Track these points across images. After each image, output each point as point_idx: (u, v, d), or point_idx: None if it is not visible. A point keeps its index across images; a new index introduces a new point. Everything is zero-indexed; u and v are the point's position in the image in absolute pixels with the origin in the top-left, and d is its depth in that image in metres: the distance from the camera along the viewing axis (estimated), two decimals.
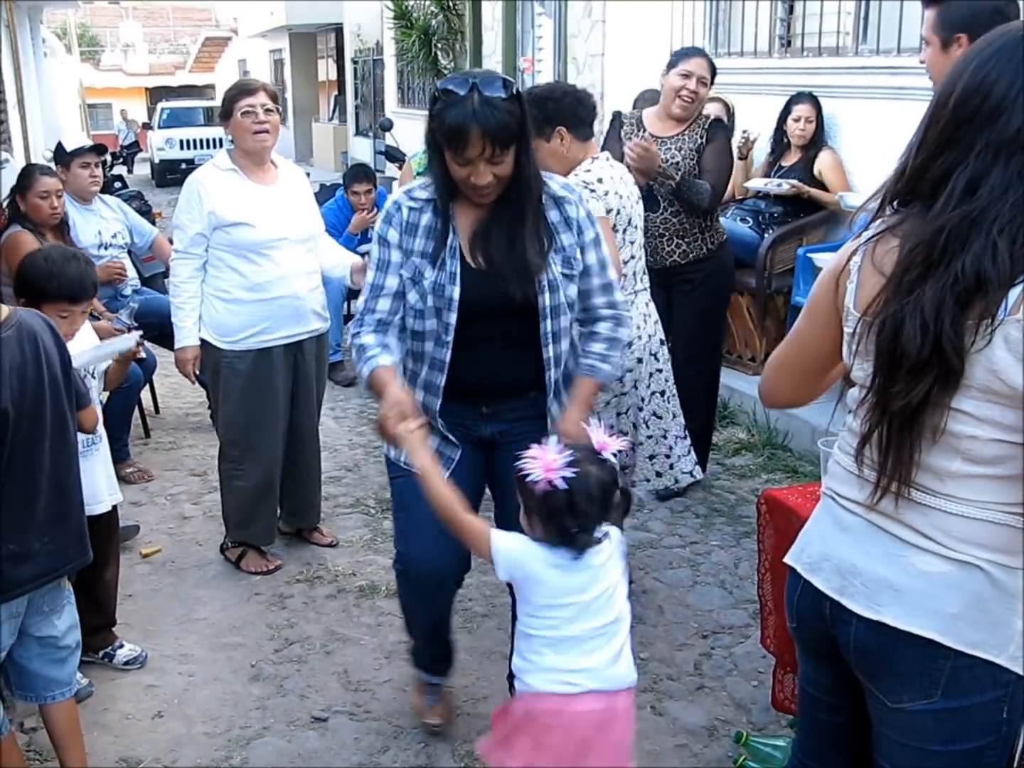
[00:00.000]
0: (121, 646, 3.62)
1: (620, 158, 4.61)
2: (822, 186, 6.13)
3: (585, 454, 2.23)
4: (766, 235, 6.06)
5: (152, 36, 45.26)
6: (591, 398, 2.89)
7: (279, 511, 4.48)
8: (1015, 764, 1.83)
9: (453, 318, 2.71)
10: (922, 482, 1.66)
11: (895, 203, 1.70)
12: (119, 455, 4.84)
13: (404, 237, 2.74)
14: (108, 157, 15.86)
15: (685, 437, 4.03)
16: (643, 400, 3.85)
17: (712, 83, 4.59)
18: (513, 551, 2.28)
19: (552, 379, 2.82)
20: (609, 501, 2.25)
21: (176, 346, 4.12)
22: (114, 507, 3.54)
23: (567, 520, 2.19)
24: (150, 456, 5.71)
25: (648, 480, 3.95)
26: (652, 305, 3.90)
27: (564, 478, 2.16)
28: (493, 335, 2.76)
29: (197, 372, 4.13)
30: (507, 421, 2.88)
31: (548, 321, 2.74)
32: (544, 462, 2.18)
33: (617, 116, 4.79)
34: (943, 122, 1.61)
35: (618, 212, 3.61)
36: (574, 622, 2.26)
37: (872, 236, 1.71)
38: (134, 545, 4.53)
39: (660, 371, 3.91)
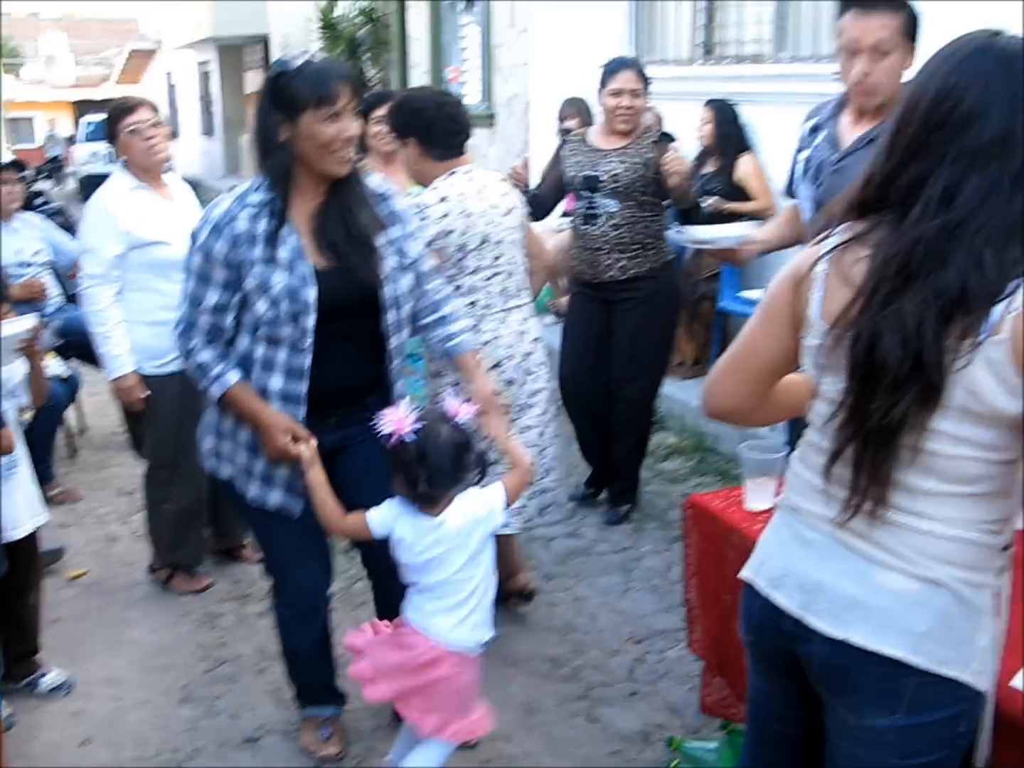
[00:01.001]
0: (44, 674, 3.54)
1: (558, 175, 4.65)
2: (742, 191, 6.22)
3: (438, 417, 2.57)
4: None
5: (77, 48, 44.56)
6: (480, 367, 3.14)
7: (207, 529, 4.42)
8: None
9: (311, 321, 2.68)
10: (894, 500, 1.64)
11: (859, 211, 1.66)
12: (44, 476, 4.74)
13: (241, 249, 2.65)
14: (32, 171, 15.62)
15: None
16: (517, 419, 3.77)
17: (647, 89, 4.52)
18: (383, 513, 2.62)
19: (396, 370, 2.92)
20: (461, 459, 2.55)
21: (113, 376, 3.95)
22: (35, 530, 3.47)
23: (418, 471, 2.49)
24: (77, 476, 5.62)
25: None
26: (532, 322, 3.83)
27: (413, 431, 2.48)
28: (345, 336, 2.77)
29: (142, 396, 3.98)
30: (348, 427, 2.90)
31: (391, 312, 2.81)
32: (395, 420, 2.49)
33: (563, 134, 4.83)
34: (913, 127, 1.58)
35: (463, 232, 3.55)
36: (449, 570, 2.60)
37: (838, 244, 1.67)
38: (60, 568, 4.45)
39: (540, 390, 3.84)
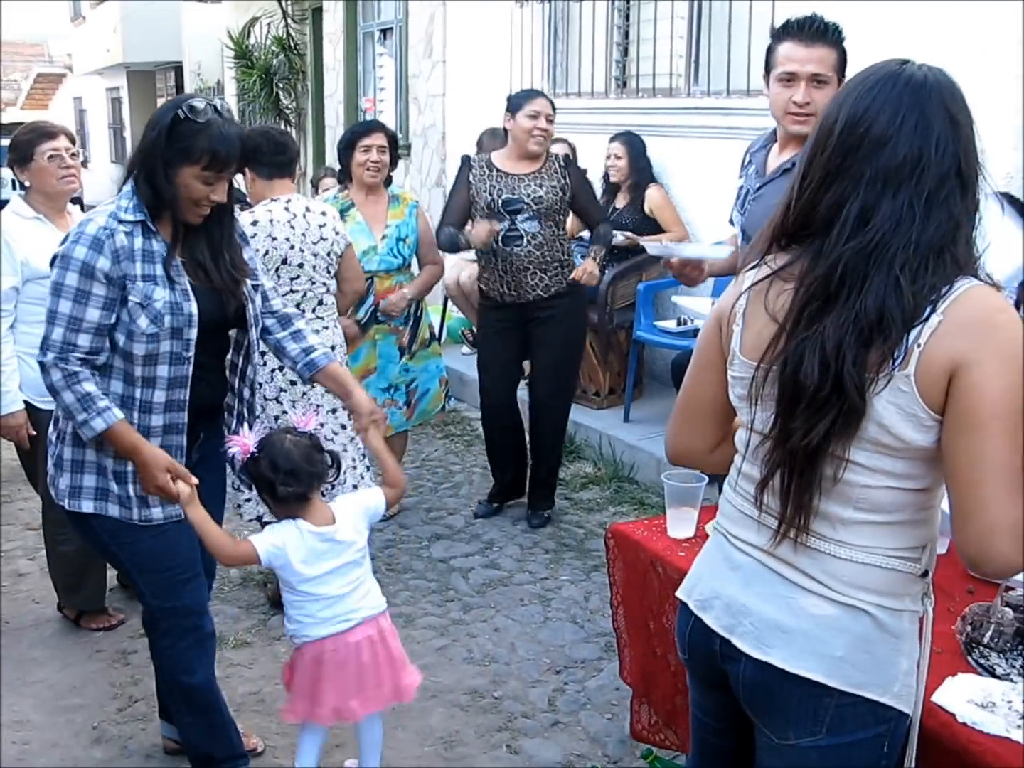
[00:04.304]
0: None
1: (468, 200, 4.81)
2: (655, 223, 6.31)
3: (279, 431, 2.90)
4: (606, 271, 6.18)
5: None
6: (352, 378, 3.15)
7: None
8: None
9: (193, 333, 2.75)
10: (816, 528, 1.68)
11: (782, 241, 1.71)
12: None
13: (123, 264, 2.65)
14: None
15: (364, 458, 4.49)
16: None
17: (554, 119, 4.78)
18: (269, 538, 2.78)
19: (254, 383, 3.07)
20: (312, 458, 2.78)
21: (2, 412, 3.81)
22: None
23: (273, 475, 2.71)
24: None
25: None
26: (327, 334, 4.27)
27: (257, 445, 2.73)
28: (209, 352, 2.85)
29: (32, 433, 3.87)
30: (207, 443, 2.97)
31: (253, 329, 2.96)
32: (240, 441, 2.74)
33: (466, 160, 4.92)
34: (829, 151, 1.63)
35: (265, 253, 4.05)
36: (330, 584, 2.81)
37: (760, 280, 1.72)
38: None
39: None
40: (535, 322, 4.87)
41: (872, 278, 1.56)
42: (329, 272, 4.31)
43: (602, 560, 3.92)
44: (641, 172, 6.41)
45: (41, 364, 2.67)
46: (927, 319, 1.54)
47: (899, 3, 4.95)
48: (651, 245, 3.51)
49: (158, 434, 2.78)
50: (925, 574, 1.71)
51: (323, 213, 4.28)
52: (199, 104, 2.66)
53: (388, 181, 5.00)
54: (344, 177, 4.99)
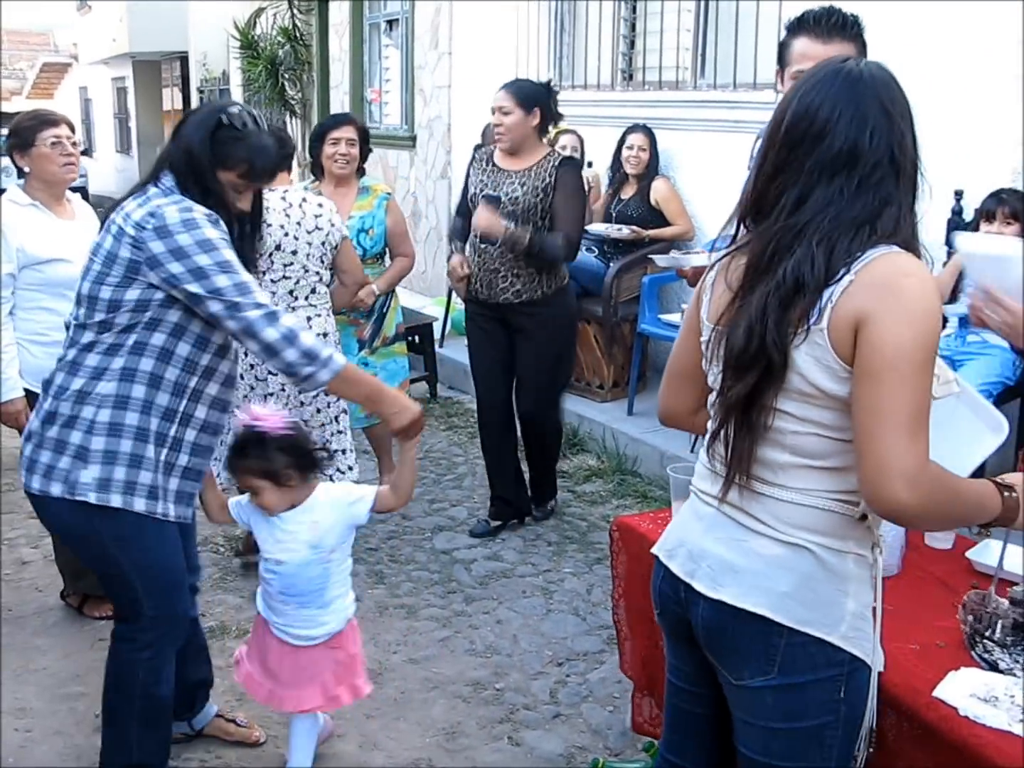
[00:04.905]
0: None
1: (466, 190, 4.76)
2: (661, 215, 6.30)
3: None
4: (611, 264, 6.18)
5: None
6: None
7: None
8: (870, 747, 1.89)
9: None
10: (759, 474, 1.79)
11: (746, 223, 1.84)
12: None
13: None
14: None
15: (343, 432, 4.52)
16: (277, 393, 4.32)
17: (526, 106, 4.45)
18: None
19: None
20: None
21: (2, 399, 3.79)
22: None
23: (310, 446, 2.86)
24: None
25: None
26: (319, 322, 4.35)
27: (285, 422, 2.80)
28: None
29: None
30: None
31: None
32: (270, 416, 2.78)
33: (474, 150, 4.90)
34: (778, 146, 1.76)
35: (260, 238, 4.09)
36: None
37: (725, 254, 1.87)
38: None
39: None
40: (513, 328, 4.69)
41: (795, 251, 1.70)
42: (323, 262, 4.38)
43: (605, 553, 3.92)
44: (652, 165, 6.41)
45: (271, 315, 2.60)
46: (840, 279, 1.67)
47: (899, 4, 4.93)
48: (659, 257, 3.51)
49: (196, 426, 2.75)
50: (864, 518, 1.78)
51: (320, 204, 4.36)
52: (235, 110, 2.70)
53: (362, 173, 5.04)
54: (316, 169, 5.04)
